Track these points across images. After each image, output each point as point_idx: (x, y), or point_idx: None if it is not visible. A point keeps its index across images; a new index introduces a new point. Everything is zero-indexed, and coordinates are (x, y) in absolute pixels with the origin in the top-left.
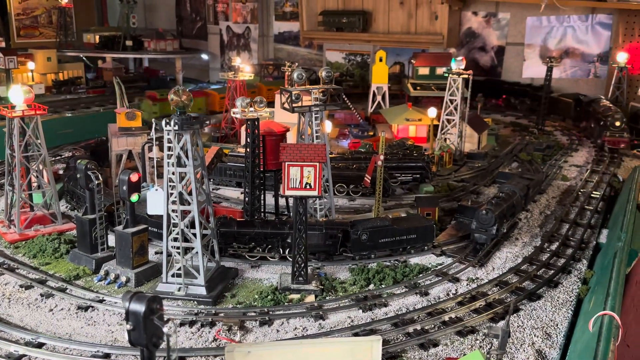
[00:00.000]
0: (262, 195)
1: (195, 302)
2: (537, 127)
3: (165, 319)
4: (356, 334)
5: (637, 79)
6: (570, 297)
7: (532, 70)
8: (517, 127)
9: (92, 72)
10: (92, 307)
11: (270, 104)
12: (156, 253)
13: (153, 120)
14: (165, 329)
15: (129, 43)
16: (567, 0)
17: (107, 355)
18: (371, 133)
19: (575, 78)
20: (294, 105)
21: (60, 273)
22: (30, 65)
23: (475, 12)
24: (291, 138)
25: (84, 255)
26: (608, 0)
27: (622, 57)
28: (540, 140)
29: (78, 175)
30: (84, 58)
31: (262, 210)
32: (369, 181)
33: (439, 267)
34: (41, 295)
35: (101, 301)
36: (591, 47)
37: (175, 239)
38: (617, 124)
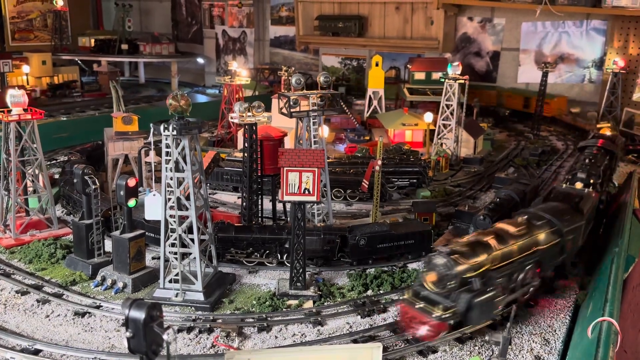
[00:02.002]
0: (260, 201)
1: (193, 308)
2: (532, 132)
3: (165, 326)
4: (355, 340)
5: (632, 85)
6: (568, 303)
7: (527, 75)
8: (513, 132)
9: (88, 76)
10: (89, 313)
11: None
12: (153, 258)
13: (151, 125)
14: (165, 336)
15: (124, 47)
16: (562, 6)
17: None
18: (367, 138)
19: (570, 83)
20: (292, 110)
21: (56, 279)
22: (25, 68)
23: (470, 18)
24: (289, 143)
25: (81, 261)
26: (602, 6)
27: (616, 63)
28: (535, 145)
29: (75, 180)
30: (79, 62)
31: (260, 215)
32: (366, 186)
33: None
34: (37, 301)
35: (98, 307)
36: (586, 52)
37: (173, 245)
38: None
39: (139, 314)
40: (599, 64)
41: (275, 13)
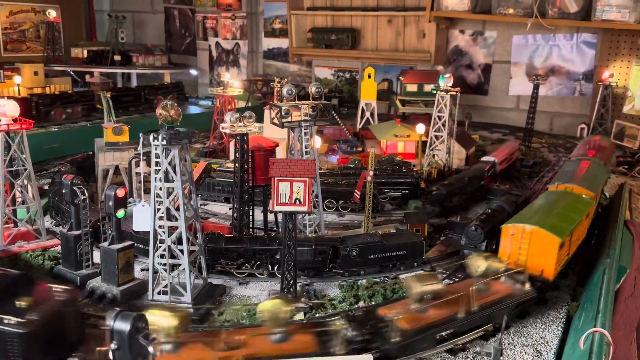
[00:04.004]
0: (251, 211)
1: None
2: (524, 144)
3: (151, 338)
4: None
5: (622, 97)
6: (560, 314)
7: (519, 87)
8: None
9: (80, 87)
10: None
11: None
12: (142, 270)
13: (140, 134)
14: (151, 349)
15: (117, 58)
16: (552, 19)
17: None
18: (360, 149)
19: (561, 96)
20: (283, 120)
21: None
22: (17, 79)
23: (462, 31)
24: (280, 153)
25: (69, 272)
26: (592, 19)
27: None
28: (527, 157)
29: (63, 191)
30: (71, 72)
31: (251, 226)
32: (358, 197)
33: None
34: None
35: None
36: (576, 65)
37: (162, 256)
38: None
39: (124, 326)
40: (590, 76)
41: (269, 25)
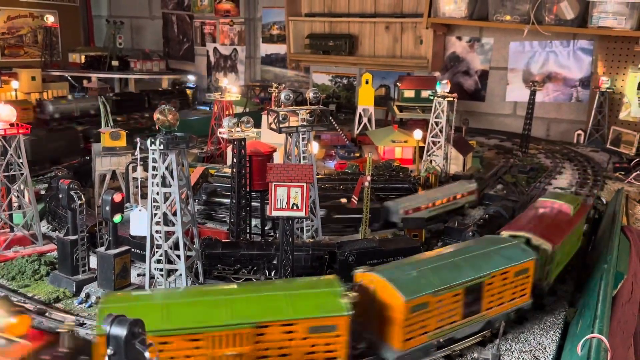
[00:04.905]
0: (249, 216)
1: None
2: (521, 150)
3: (148, 343)
4: None
5: (618, 103)
6: (557, 320)
7: (516, 94)
8: (501, 149)
9: (78, 92)
10: (72, 331)
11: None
12: (138, 275)
13: (137, 139)
14: (147, 354)
15: (115, 63)
16: (549, 25)
17: None
18: (357, 154)
19: (558, 102)
20: (281, 125)
21: (39, 295)
22: (14, 84)
23: (459, 37)
24: (278, 158)
25: (65, 277)
26: (588, 26)
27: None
28: (524, 163)
29: (60, 195)
30: (69, 78)
31: (248, 231)
32: (355, 202)
33: None
34: None
35: (82, 324)
36: (573, 71)
37: (159, 261)
38: None
39: (120, 331)
40: (586, 83)
41: (267, 31)
